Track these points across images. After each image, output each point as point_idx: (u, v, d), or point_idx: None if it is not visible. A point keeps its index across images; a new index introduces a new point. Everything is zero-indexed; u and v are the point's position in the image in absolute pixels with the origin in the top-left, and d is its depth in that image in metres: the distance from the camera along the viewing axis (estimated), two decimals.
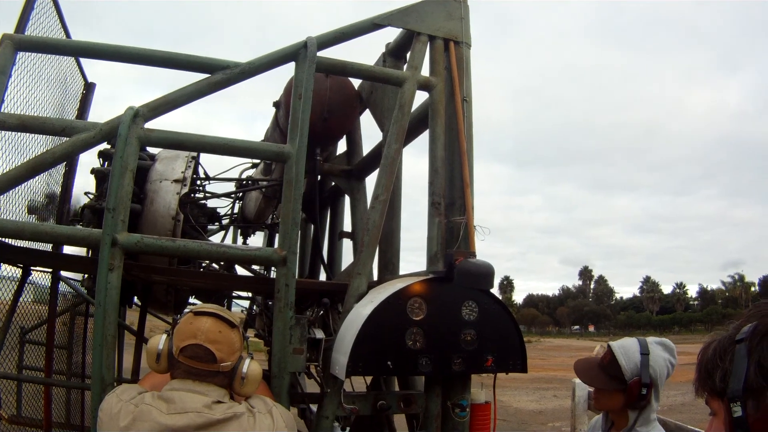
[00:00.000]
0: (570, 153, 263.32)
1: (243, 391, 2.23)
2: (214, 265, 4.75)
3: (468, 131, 3.51)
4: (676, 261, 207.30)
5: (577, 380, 5.11)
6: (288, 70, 3.39)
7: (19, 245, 3.65)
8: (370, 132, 4.82)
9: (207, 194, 4.80)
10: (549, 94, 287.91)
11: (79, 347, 6.24)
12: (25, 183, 3.44)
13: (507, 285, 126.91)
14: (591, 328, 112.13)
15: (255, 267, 5.00)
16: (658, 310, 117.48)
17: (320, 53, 3.33)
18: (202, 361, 2.13)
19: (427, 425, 3.19)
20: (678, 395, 16.63)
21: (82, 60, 5.37)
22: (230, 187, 5.25)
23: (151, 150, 4.45)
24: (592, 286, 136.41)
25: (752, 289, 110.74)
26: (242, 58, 3.41)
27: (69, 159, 4.43)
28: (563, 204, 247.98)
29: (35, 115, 3.98)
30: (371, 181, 4.30)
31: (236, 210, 5.74)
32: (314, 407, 3.54)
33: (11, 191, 3.49)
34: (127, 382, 4.12)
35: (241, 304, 7.02)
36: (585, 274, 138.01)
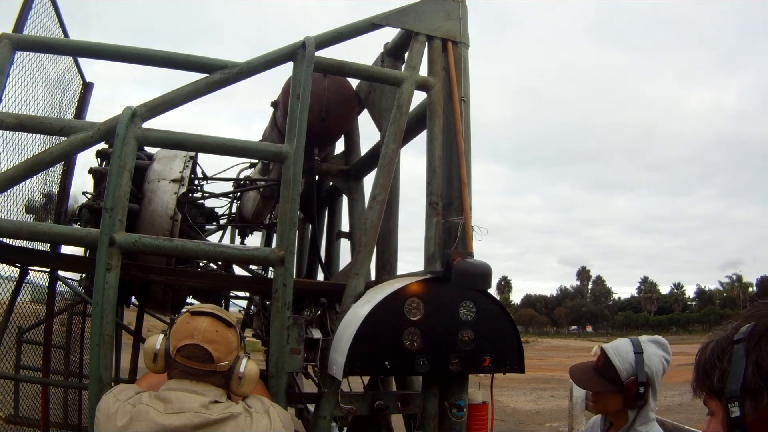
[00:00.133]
0: (568, 153, 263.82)
1: (240, 391, 2.23)
2: (211, 264, 4.75)
3: (466, 131, 3.51)
4: (674, 261, 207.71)
5: None
6: (286, 70, 3.40)
7: (17, 245, 3.64)
8: (368, 132, 4.83)
9: (205, 194, 4.80)
10: (547, 94, 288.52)
11: (77, 347, 6.24)
12: (23, 182, 3.43)
13: (505, 285, 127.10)
14: (589, 329, 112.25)
15: (253, 267, 5.00)
16: (655, 311, 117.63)
17: (318, 53, 3.33)
18: (199, 360, 2.13)
19: (424, 425, 3.19)
20: (676, 395, 16.65)
21: (80, 59, 5.37)
22: (228, 187, 5.25)
23: (149, 150, 4.44)
24: (590, 286, 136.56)
25: (750, 289, 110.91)
26: (241, 58, 3.41)
27: (67, 159, 4.43)
28: (561, 204, 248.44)
29: (33, 114, 3.97)
30: (369, 181, 4.30)
31: (234, 210, 5.73)
32: (311, 407, 3.54)
33: (9, 191, 3.48)
34: (124, 381, 4.12)
35: (238, 304, 7.02)
36: (583, 274, 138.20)
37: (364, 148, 4.95)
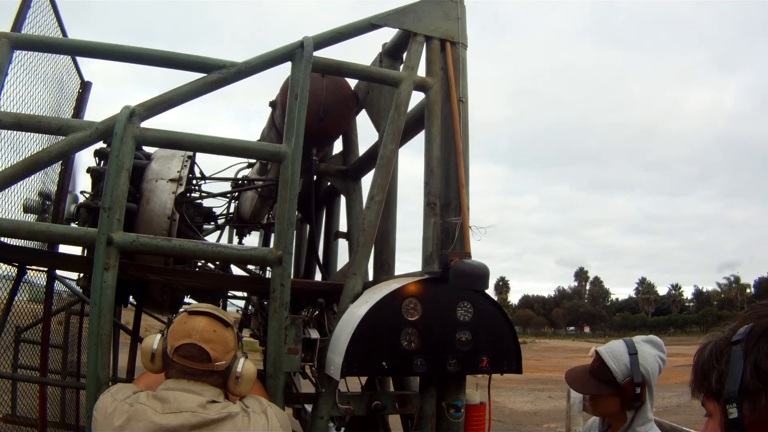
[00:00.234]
0: (566, 153, 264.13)
1: (237, 391, 2.23)
2: (209, 264, 4.74)
3: (464, 131, 3.51)
4: (671, 262, 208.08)
5: None
6: (284, 70, 3.39)
7: (14, 244, 3.63)
8: (366, 132, 4.83)
9: (203, 194, 4.79)
10: (545, 94, 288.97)
11: (75, 346, 6.22)
12: (21, 181, 3.42)
13: (503, 286, 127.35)
14: (586, 330, 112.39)
15: (250, 267, 4.99)
16: (653, 312, 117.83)
17: (317, 53, 3.33)
18: (197, 360, 2.12)
19: (421, 426, 3.19)
20: (673, 397, 16.68)
21: (79, 59, 5.36)
22: (226, 186, 5.24)
23: (147, 149, 4.43)
24: (587, 287, 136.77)
25: (748, 290, 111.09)
26: (239, 57, 3.40)
27: (65, 158, 4.41)
28: (559, 204, 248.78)
29: (31, 113, 3.97)
30: (367, 181, 4.31)
31: (232, 210, 5.72)
32: (309, 407, 3.54)
33: (7, 189, 3.47)
34: (122, 381, 4.11)
35: (236, 303, 7.01)
36: (581, 275, 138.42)
37: (362, 148, 4.96)
